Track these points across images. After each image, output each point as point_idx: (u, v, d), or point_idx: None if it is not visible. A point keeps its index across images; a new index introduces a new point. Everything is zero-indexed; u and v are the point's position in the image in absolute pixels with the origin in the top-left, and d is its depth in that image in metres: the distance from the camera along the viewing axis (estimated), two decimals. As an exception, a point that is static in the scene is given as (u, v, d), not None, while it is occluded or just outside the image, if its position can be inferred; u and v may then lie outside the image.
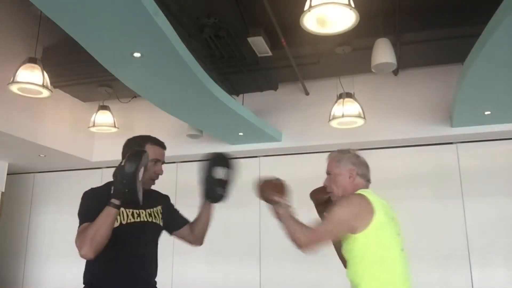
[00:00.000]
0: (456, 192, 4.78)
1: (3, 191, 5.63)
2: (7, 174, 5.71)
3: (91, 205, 1.93)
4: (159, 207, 2.15)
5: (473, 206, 4.71)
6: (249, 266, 5.25)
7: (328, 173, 2.03)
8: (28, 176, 6.46)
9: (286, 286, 5.07)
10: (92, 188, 2.06)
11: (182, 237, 2.29)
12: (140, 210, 2.04)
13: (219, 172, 2.17)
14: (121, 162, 1.81)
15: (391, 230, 1.84)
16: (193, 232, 2.26)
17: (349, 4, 2.39)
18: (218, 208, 6.35)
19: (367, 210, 1.79)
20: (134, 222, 2.01)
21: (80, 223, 1.91)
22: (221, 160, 2.22)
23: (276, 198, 1.92)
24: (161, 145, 2.15)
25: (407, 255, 1.86)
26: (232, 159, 2.23)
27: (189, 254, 5.33)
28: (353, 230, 1.78)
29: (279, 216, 1.89)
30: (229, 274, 5.31)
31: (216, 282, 5.30)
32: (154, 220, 2.10)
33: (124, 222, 1.97)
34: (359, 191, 1.91)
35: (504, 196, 4.65)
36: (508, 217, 4.59)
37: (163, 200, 2.24)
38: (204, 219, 2.26)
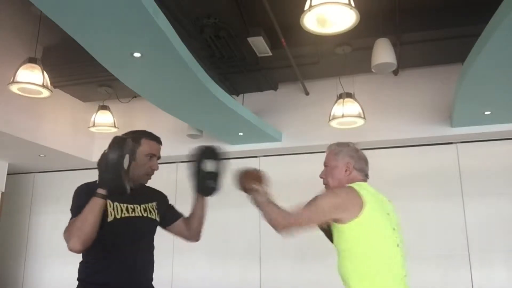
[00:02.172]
0: (456, 192, 4.79)
1: (3, 191, 5.62)
2: (7, 174, 5.71)
3: (83, 201, 1.90)
4: (154, 203, 2.15)
5: (473, 206, 4.71)
6: (249, 266, 5.25)
7: (325, 165, 2.01)
8: (28, 176, 6.46)
9: (286, 286, 5.08)
10: (85, 183, 2.04)
11: (177, 233, 2.25)
12: (135, 205, 2.04)
13: (209, 165, 2.16)
14: (104, 151, 1.78)
15: (385, 224, 1.79)
16: (188, 227, 2.23)
17: (349, 4, 2.39)
18: (218, 208, 6.33)
19: (354, 202, 1.76)
20: (129, 216, 2.00)
21: (72, 215, 1.91)
22: (210, 153, 2.21)
23: (255, 186, 1.95)
24: (157, 140, 2.13)
25: (403, 251, 1.81)
26: (221, 152, 2.23)
27: (189, 254, 5.33)
28: (338, 221, 1.76)
29: (257, 203, 1.91)
30: (229, 274, 5.31)
31: (216, 282, 5.30)
32: (149, 216, 2.09)
33: (118, 217, 1.96)
34: (351, 184, 1.88)
35: (504, 196, 4.65)
36: (508, 217, 4.59)
37: (159, 196, 2.23)
38: (198, 213, 2.23)
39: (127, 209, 2.00)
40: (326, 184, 1.99)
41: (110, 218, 1.94)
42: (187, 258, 5.42)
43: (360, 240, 1.74)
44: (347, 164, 1.94)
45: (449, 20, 3.86)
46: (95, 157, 5.64)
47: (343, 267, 1.77)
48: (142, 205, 2.08)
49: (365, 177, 1.97)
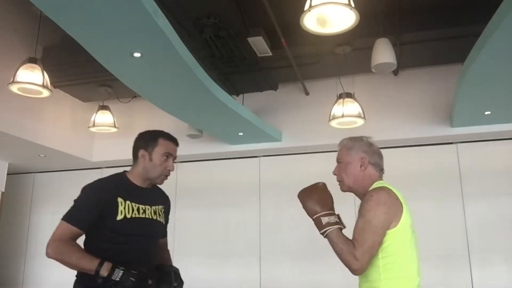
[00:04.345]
0: (456, 192, 4.79)
1: (3, 191, 5.63)
2: (7, 174, 5.71)
3: (85, 205, 1.92)
4: (161, 206, 2.15)
5: (473, 206, 4.71)
6: (249, 266, 5.25)
7: (338, 161, 1.90)
8: (28, 176, 6.46)
9: (286, 286, 5.08)
10: (96, 182, 2.01)
11: None
12: (146, 206, 2.04)
13: None
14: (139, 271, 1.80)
15: (412, 227, 1.74)
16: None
17: (349, 4, 2.39)
18: (218, 208, 6.32)
19: (398, 206, 1.68)
20: (139, 217, 1.99)
21: (66, 218, 1.88)
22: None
23: (318, 214, 1.71)
24: (174, 140, 2.12)
25: (418, 251, 1.79)
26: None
27: (190, 254, 5.33)
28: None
29: (324, 235, 1.69)
30: (229, 274, 5.31)
31: (216, 282, 5.30)
32: (158, 218, 2.10)
33: (128, 216, 1.95)
34: (379, 184, 1.78)
35: (504, 196, 4.65)
36: (508, 217, 4.59)
37: (165, 202, 2.23)
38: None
39: (138, 210, 2.00)
40: (340, 181, 1.88)
41: (119, 217, 1.92)
42: (187, 258, 5.41)
43: (397, 245, 1.67)
44: (361, 159, 1.84)
45: (449, 20, 3.86)
46: (95, 157, 5.65)
47: (375, 271, 1.67)
48: (153, 207, 2.08)
49: (380, 172, 1.88)
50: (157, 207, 2.10)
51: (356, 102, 4.23)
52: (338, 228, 1.68)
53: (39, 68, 3.65)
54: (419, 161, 4.96)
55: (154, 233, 2.10)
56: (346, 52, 4.20)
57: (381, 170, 1.89)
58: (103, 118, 4.95)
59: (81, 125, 5.35)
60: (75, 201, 1.95)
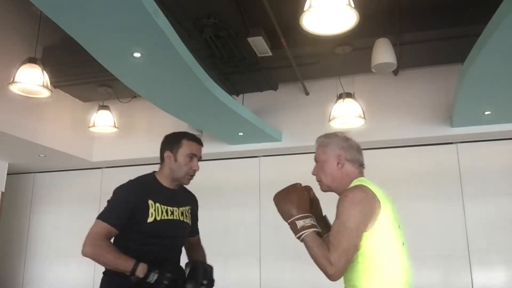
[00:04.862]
0: (456, 192, 4.78)
1: (3, 191, 5.62)
2: (7, 174, 5.71)
3: (119, 205, 1.97)
4: (188, 207, 2.21)
5: (473, 206, 4.71)
6: (249, 266, 5.25)
7: (316, 160, 1.85)
8: (28, 176, 6.46)
9: (286, 286, 5.08)
10: (128, 183, 2.05)
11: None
12: (174, 208, 2.09)
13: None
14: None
15: (394, 223, 1.65)
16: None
17: (349, 4, 2.39)
18: (218, 208, 6.31)
19: (375, 204, 1.60)
20: (168, 219, 2.04)
21: (101, 217, 1.93)
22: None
23: (293, 217, 1.64)
24: (197, 140, 2.17)
25: (407, 250, 1.70)
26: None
27: (189, 254, 5.33)
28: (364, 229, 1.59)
29: (298, 238, 1.62)
30: (229, 274, 5.31)
31: (216, 282, 5.29)
32: (185, 220, 2.16)
33: (158, 219, 2.00)
34: (358, 182, 1.70)
35: (504, 196, 4.65)
36: (508, 217, 4.59)
37: (193, 202, 2.28)
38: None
39: (166, 212, 2.05)
40: (319, 181, 1.83)
41: (150, 219, 1.97)
42: (187, 258, 5.41)
43: (376, 246, 1.59)
44: (338, 156, 1.77)
45: (449, 20, 3.85)
46: (95, 157, 5.65)
47: (355, 273, 1.61)
48: (181, 208, 2.13)
49: (360, 168, 1.80)
50: (184, 208, 2.16)
51: (356, 102, 4.23)
52: (314, 231, 1.60)
53: (39, 68, 3.65)
54: (419, 161, 4.96)
55: (181, 234, 2.18)
56: (346, 52, 4.20)
57: (360, 165, 1.81)
58: (103, 118, 4.95)
59: (81, 125, 5.34)
60: (108, 201, 2.01)
